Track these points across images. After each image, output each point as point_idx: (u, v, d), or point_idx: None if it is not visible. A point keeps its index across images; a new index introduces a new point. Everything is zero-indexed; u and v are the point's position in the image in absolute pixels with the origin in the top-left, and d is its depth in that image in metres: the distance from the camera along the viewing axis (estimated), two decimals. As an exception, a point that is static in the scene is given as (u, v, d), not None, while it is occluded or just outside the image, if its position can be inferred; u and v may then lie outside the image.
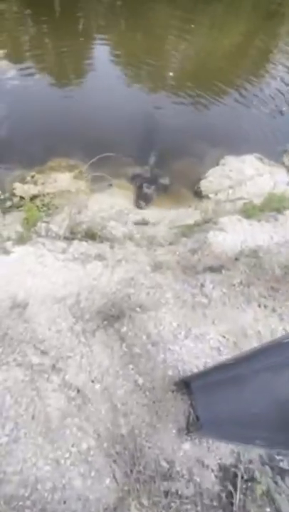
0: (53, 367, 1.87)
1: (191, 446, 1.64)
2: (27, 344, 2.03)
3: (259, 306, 2.34)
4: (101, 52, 6.72)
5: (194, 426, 1.67)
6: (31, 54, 6.26)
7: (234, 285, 2.52)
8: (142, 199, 4.38)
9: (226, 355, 2.00)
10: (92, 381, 1.83)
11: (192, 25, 7.97)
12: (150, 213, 4.57)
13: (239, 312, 2.28)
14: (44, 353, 1.97)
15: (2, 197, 4.36)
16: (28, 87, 5.63)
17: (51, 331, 2.17)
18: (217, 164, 5.49)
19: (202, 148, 5.55)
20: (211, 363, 1.94)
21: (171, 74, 6.54)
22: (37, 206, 4.19)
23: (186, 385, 1.82)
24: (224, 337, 2.11)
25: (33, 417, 1.66)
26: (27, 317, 2.31)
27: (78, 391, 1.77)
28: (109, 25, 7.62)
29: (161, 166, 5.07)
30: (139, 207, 4.31)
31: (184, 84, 6.39)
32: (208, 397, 1.65)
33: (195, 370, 1.89)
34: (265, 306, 2.32)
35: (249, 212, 4.22)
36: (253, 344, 2.12)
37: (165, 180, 4.75)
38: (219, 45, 7.90)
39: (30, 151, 4.76)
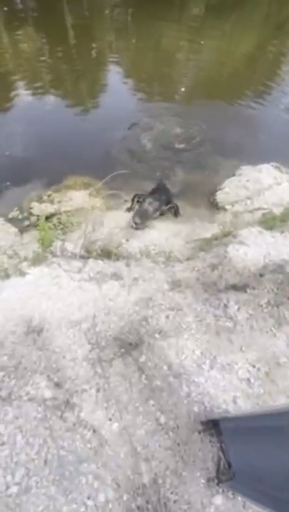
0: (67, 402, 1.72)
1: (223, 501, 1.42)
2: (40, 375, 1.90)
3: (291, 329, 2.11)
4: (114, 73, 6.89)
5: (226, 475, 1.45)
6: (47, 77, 6.49)
7: (261, 306, 2.31)
8: (138, 216, 3.79)
9: (258, 388, 1.78)
10: (110, 419, 1.66)
11: (202, 42, 8.07)
12: (166, 227, 4.46)
13: (269, 337, 2.06)
14: (58, 385, 1.83)
15: (20, 216, 4.39)
16: (43, 109, 5.80)
17: (66, 359, 2.04)
18: (233, 175, 5.36)
19: (217, 159, 5.47)
20: (240, 397, 1.73)
21: (182, 89, 6.57)
22: (54, 225, 4.19)
23: (214, 424, 1.62)
24: (254, 366, 1.89)
25: (45, 462, 1.51)
26: (41, 344, 2.20)
27: (94, 431, 1.60)
28: (120, 47, 7.83)
29: (176, 179, 4.99)
30: (134, 226, 3.74)
31: (196, 97, 6.42)
32: (241, 443, 1.44)
33: (223, 406, 1.69)
34: (299, 330, 2.09)
35: (270, 223, 4.01)
36: (288, 374, 1.89)
37: (178, 194, 4.54)
38: (230, 58, 7.95)
39: (46, 170, 4.85)
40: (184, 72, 7.26)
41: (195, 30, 8.85)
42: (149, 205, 3.90)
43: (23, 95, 6.02)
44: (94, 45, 7.60)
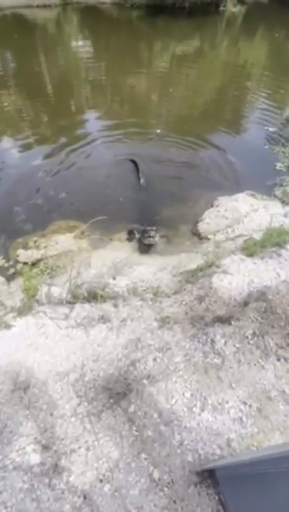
0: (56, 466, 1.63)
1: None
2: (27, 438, 1.81)
3: (278, 359, 2.10)
4: (92, 123, 7.39)
5: (227, 532, 1.37)
6: (30, 130, 6.92)
7: (247, 337, 2.31)
8: (143, 248, 4.48)
9: (251, 427, 1.73)
10: (101, 480, 1.57)
11: (170, 89, 8.85)
12: (153, 261, 4.53)
13: (258, 370, 2.05)
14: (46, 447, 1.74)
15: (6, 265, 4.42)
16: (26, 159, 6.08)
17: (53, 416, 1.96)
18: (211, 206, 5.62)
19: (195, 192, 5.75)
20: (234, 439, 1.67)
21: (158, 131, 7.05)
22: (41, 270, 4.22)
23: (210, 474, 1.54)
24: (245, 403, 1.86)
25: None
26: (28, 401, 2.12)
27: (85, 497, 1.51)
28: (97, 101, 8.49)
29: (158, 215, 5.19)
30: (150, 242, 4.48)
31: (170, 137, 6.90)
32: (239, 493, 1.37)
33: (218, 452, 1.63)
34: (286, 359, 2.09)
35: (251, 249, 4.13)
36: (280, 408, 1.85)
37: (161, 230, 4.82)
38: (196, 100, 8.70)
39: (31, 218, 4.98)
40: (157, 116, 7.86)
41: (163, 79, 9.76)
42: (148, 237, 4.56)
43: (7, 149, 6.34)
44: (72, 100, 8.25)
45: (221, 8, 17.70)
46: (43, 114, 7.64)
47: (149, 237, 4.49)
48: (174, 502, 1.49)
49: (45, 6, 15.03)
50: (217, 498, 1.46)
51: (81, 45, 12.33)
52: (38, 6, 14.87)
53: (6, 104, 7.82)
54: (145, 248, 4.66)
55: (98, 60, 11.01)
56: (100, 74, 9.91)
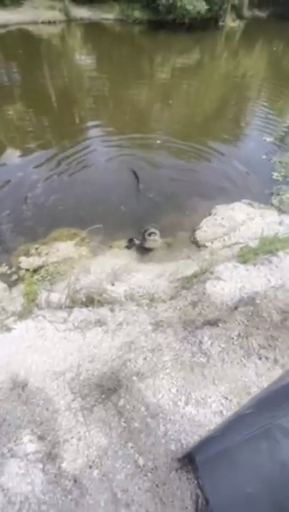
0: (49, 454, 1.78)
1: None
2: (24, 430, 1.97)
3: (260, 358, 2.24)
4: (93, 133, 7.67)
5: (203, 512, 1.49)
6: (33, 139, 7.20)
7: (232, 338, 2.46)
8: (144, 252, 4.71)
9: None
10: (90, 466, 1.72)
11: (170, 101, 9.16)
12: (151, 268, 4.70)
13: (240, 368, 2.18)
14: (41, 438, 1.90)
15: (9, 272, 4.61)
16: (29, 167, 6.33)
17: (48, 411, 2.12)
18: (209, 214, 5.79)
19: (193, 201, 5.94)
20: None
21: (158, 142, 7.31)
22: (42, 276, 4.40)
23: (190, 460, 1.68)
24: (226, 398, 2.00)
25: (26, 519, 1.54)
26: (25, 398, 2.28)
27: (75, 481, 1.65)
28: (99, 111, 8.81)
29: (157, 223, 5.36)
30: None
31: (171, 148, 7.13)
32: (213, 475, 1.50)
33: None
34: (267, 358, 2.22)
35: (246, 256, 4.28)
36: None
37: (153, 232, 4.99)
38: (195, 113, 8.98)
39: (32, 226, 5.20)
40: (157, 126, 8.13)
41: (163, 91, 10.10)
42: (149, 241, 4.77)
43: (11, 159, 6.61)
44: (75, 112, 8.58)
45: (220, 23, 18.27)
46: (46, 124, 7.96)
47: (151, 237, 4.67)
48: (157, 486, 1.62)
49: (50, 23, 15.71)
50: (196, 482, 1.60)
51: (84, 59, 12.83)
52: (43, 22, 15.53)
53: (12, 114, 8.16)
54: (146, 252, 4.81)
55: (101, 72, 11.44)
56: (102, 86, 10.30)
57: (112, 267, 4.68)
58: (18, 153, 6.78)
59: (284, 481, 0.96)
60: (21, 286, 4.28)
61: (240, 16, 19.31)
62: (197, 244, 5.34)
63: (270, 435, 0.95)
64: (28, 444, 1.84)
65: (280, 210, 5.91)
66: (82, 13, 16.75)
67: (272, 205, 6.04)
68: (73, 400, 2.16)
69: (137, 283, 4.29)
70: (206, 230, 5.49)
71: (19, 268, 4.62)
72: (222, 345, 2.39)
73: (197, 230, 5.49)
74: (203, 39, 16.35)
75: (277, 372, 2.09)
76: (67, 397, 2.20)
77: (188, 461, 1.67)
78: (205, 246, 5.27)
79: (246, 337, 2.42)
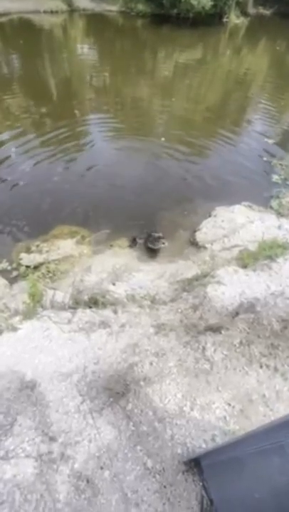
0: (62, 455, 1.87)
1: (207, 539, 1.57)
2: (35, 431, 2.05)
3: (261, 366, 2.36)
4: (96, 128, 7.61)
5: (208, 512, 1.61)
6: (34, 134, 7.11)
7: (235, 345, 2.57)
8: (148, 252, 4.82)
9: (234, 425, 1.99)
10: (102, 468, 1.82)
11: (172, 99, 9.10)
12: (151, 269, 4.77)
13: (242, 375, 2.30)
14: (52, 439, 1.98)
15: (9, 268, 4.62)
16: (28, 164, 6.27)
17: (59, 412, 2.20)
18: (209, 215, 5.85)
19: (194, 202, 5.98)
20: (218, 435, 1.92)
21: (163, 139, 7.29)
22: (42, 273, 4.43)
23: (196, 463, 1.79)
24: (230, 404, 2.11)
25: (43, 517, 1.63)
26: (35, 399, 2.36)
27: (88, 481, 1.75)
28: (100, 104, 8.71)
29: (158, 222, 5.41)
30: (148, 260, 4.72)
31: (174, 147, 7.12)
32: (219, 478, 1.62)
33: (204, 445, 1.88)
34: (267, 366, 2.34)
35: (245, 260, 4.37)
36: (260, 410, 2.11)
37: (160, 236, 5.07)
38: (198, 110, 8.95)
39: (33, 223, 5.19)
40: (159, 125, 8.10)
41: (165, 89, 10.03)
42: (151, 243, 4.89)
43: (9, 152, 6.54)
44: (75, 103, 8.47)
45: (225, 20, 18.09)
46: (47, 117, 7.84)
47: (159, 242, 4.81)
48: (164, 487, 1.73)
49: (52, 12, 15.36)
50: (201, 484, 1.71)
51: (86, 50, 12.61)
52: (45, 12, 15.18)
53: (12, 105, 8.02)
54: (149, 252, 4.86)
55: (102, 64, 11.28)
56: (103, 78, 10.16)
57: (112, 266, 4.73)
58: (17, 145, 6.71)
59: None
60: (22, 283, 4.30)
61: (244, 13, 19.15)
62: (197, 246, 5.41)
63: (283, 451, 1.05)
64: (41, 444, 1.92)
65: (279, 214, 6.00)
66: (85, 3, 16.43)
67: (271, 207, 6.12)
68: (82, 403, 2.24)
69: (137, 283, 4.36)
70: (206, 231, 5.56)
71: (20, 264, 4.63)
72: (225, 353, 2.50)
73: (197, 231, 5.54)
74: (207, 35, 16.19)
75: (279, 381, 2.21)
76: (76, 400, 2.28)
77: (194, 464, 1.78)
78: (204, 247, 5.35)
79: (248, 345, 2.53)
